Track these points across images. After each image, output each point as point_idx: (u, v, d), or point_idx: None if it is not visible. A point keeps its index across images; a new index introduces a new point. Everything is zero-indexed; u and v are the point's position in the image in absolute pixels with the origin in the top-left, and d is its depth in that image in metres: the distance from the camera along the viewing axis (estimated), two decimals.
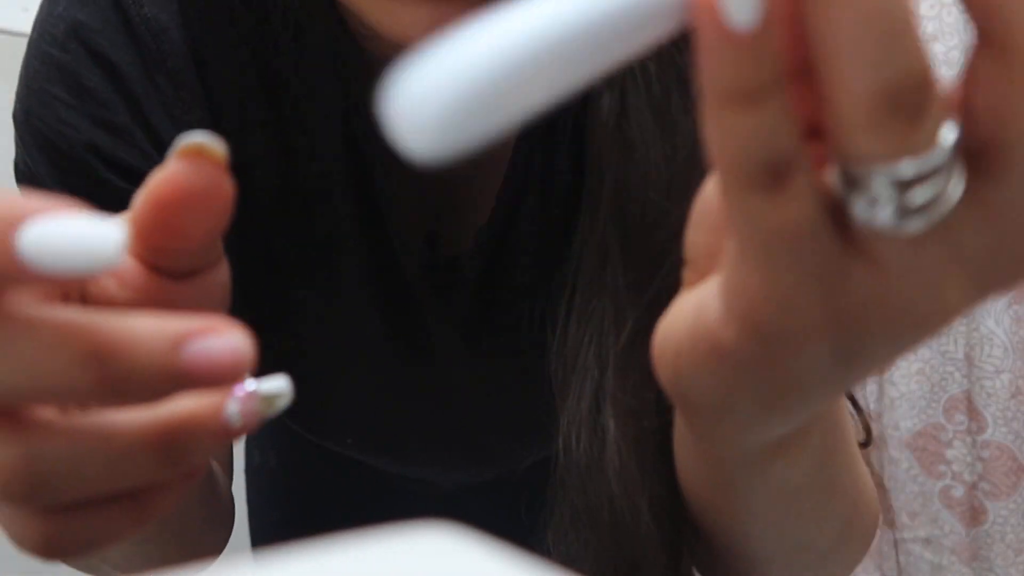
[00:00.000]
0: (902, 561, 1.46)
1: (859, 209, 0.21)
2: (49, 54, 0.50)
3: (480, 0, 0.42)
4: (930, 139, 0.20)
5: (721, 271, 0.24)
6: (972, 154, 0.21)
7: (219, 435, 0.28)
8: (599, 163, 0.46)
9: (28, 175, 0.52)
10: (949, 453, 1.44)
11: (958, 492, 1.43)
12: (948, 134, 0.20)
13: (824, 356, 0.24)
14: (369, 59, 0.50)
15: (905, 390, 1.43)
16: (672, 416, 0.37)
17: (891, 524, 1.47)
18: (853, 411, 0.44)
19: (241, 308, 0.57)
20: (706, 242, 0.28)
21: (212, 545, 0.53)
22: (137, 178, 0.53)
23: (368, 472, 0.76)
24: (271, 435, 0.83)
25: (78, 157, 0.50)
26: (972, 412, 1.41)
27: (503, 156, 0.54)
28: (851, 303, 0.23)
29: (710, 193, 0.27)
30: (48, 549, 0.27)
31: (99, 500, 0.27)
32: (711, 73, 0.20)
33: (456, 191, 0.55)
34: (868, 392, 1.45)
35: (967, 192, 0.21)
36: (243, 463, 0.86)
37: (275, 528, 0.82)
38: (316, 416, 0.64)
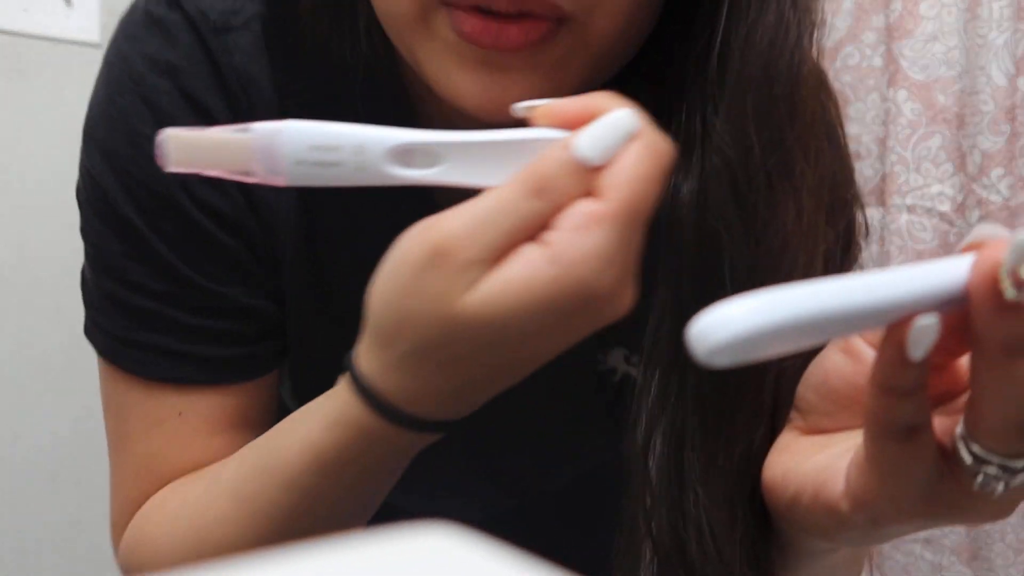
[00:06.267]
0: (902, 561, 1.46)
1: (980, 481, 0.32)
2: (138, 92, 0.50)
3: (533, 75, 0.43)
4: None
5: (852, 465, 0.36)
6: None
7: None
8: (679, 245, 0.47)
9: (110, 212, 0.51)
10: None
11: None
12: None
13: (910, 527, 0.36)
14: (427, 117, 0.52)
15: None
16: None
17: None
18: None
19: (319, 372, 0.57)
20: (817, 403, 0.41)
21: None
22: (224, 223, 0.52)
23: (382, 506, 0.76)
24: None
25: (169, 197, 0.50)
26: None
27: None
28: (940, 507, 0.34)
29: (831, 364, 0.39)
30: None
31: None
32: (881, 377, 0.31)
33: None
34: None
35: None
36: None
37: None
38: None
